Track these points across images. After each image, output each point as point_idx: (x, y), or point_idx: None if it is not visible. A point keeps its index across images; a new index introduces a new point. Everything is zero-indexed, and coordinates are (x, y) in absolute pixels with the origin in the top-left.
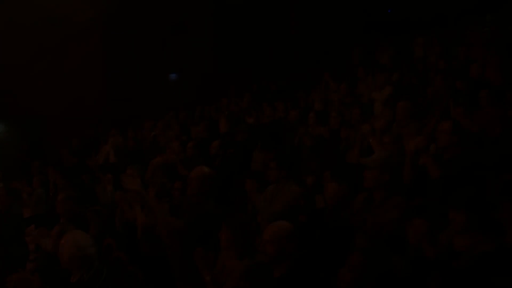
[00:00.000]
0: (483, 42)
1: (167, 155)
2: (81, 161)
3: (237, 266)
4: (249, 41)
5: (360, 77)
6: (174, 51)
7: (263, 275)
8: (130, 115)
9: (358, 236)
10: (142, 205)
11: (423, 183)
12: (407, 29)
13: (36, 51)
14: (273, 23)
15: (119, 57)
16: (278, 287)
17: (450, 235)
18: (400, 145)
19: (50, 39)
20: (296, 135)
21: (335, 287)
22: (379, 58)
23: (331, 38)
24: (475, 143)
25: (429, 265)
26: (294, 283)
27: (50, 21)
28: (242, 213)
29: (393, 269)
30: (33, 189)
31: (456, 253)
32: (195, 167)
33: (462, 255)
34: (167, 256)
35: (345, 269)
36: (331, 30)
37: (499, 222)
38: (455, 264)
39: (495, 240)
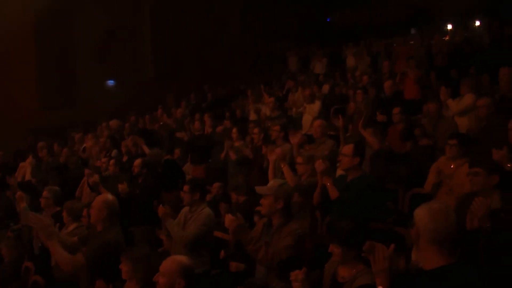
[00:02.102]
0: (406, 55)
1: (88, 175)
2: (3, 177)
3: None
4: (188, 48)
5: (291, 89)
6: (111, 57)
7: None
8: (64, 124)
9: (258, 266)
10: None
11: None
12: (341, 38)
13: None
14: (211, 30)
15: (54, 63)
16: None
17: (333, 266)
18: (312, 166)
19: None
20: (223, 150)
21: None
22: (313, 67)
23: (269, 46)
24: (385, 159)
25: None
26: None
27: None
28: (143, 245)
29: None
30: None
31: (339, 284)
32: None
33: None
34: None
35: None
36: (269, 38)
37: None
38: None
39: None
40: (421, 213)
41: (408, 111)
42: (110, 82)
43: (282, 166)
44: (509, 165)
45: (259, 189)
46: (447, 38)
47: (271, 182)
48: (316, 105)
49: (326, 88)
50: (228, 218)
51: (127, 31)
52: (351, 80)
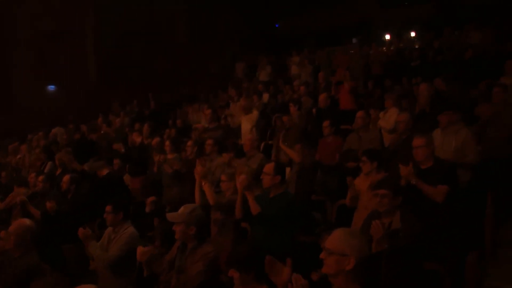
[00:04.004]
0: (346, 64)
1: (13, 196)
2: None
3: None
4: (133, 53)
5: (232, 98)
6: (51, 61)
7: None
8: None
9: None
10: None
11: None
12: (288, 46)
13: None
14: (158, 34)
15: None
16: None
17: None
18: (235, 183)
19: None
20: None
21: None
22: (259, 75)
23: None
24: (312, 172)
25: None
26: None
27: None
28: (55, 271)
29: None
30: None
31: None
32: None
33: None
34: None
35: None
36: (217, 44)
37: None
38: None
39: None
40: (356, 242)
41: (342, 122)
42: (51, 88)
43: (203, 184)
44: (413, 181)
45: (170, 216)
46: (384, 48)
47: (182, 209)
48: (254, 115)
49: (266, 97)
50: (140, 250)
51: (68, 34)
52: (296, 88)
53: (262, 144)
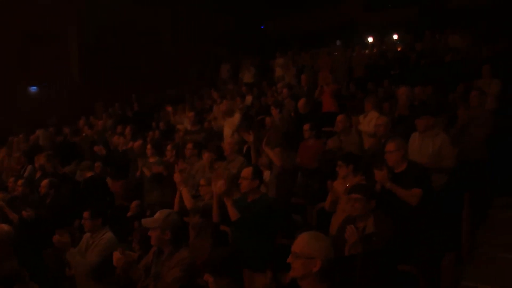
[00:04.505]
0: (330, 66)
1: None
2: None
3: None
4: (117, 54)
5: (215, 100)
6: (33, 62)
7: None
8: None
9: None
10: None
11: None
12: (273, 47)
13: None
14: (142, 35)
15: None
16: None
17: None
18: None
19: None
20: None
21: None
22: (243, 77)
23: (201, 53)
24: (292, 176)
25: None
26: None
27: None
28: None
29: None
30: None
31: None
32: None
33: None
34: None
35: None
36: (202, 45)
37: None
38: None
39: None
40: (321, 245)
41: (325, 124)
42: (33, 89)
43: (181, 189)
44: (388, 184)
45: (145, 222)
46: (367, 51)
47: (157, 214)
48: (236, 118)
49: (249, 99)
50: (116, 256)
51: (51, 35)
52: (279, 90)
53: (245, 147)
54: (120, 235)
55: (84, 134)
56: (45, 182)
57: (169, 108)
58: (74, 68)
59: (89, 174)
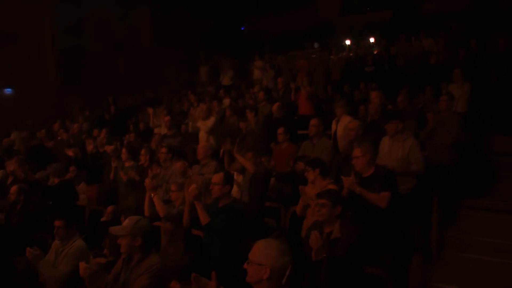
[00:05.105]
0: (307, 69)
1: None
2: None
3: None
4: (95, 54)
5: (192, 103)
6: (8, 63)
7: None
8: None
9: None
10: None
11: None
12: (252, 49)
13: None
14: (121, 36)
15: None
16: None
17: None
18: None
19: None
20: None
21: None
22: (222, 79)
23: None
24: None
25: None
26: None
27: None
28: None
29: None
30: None
31: None
32: None
33: None
34: None
35: None
36: (181, 46)
37: None
38: None
39: None
40: (270, 253)
41: (300, 128)
42: (7, 91)
43: (152, 196)
44: (358, 189)
45: (113, 230)
46: (344, 53)
47: (126, 221)
48: (210, 121)
49: (227, 102)
50: (82, 266)
51: (25, 35)
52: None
53: (221, 151)
54: (95, 241)
55: (59, 138)
56: (14, 188)
57: (150, 110)
58: (50, 69)
59: (56, 180)
